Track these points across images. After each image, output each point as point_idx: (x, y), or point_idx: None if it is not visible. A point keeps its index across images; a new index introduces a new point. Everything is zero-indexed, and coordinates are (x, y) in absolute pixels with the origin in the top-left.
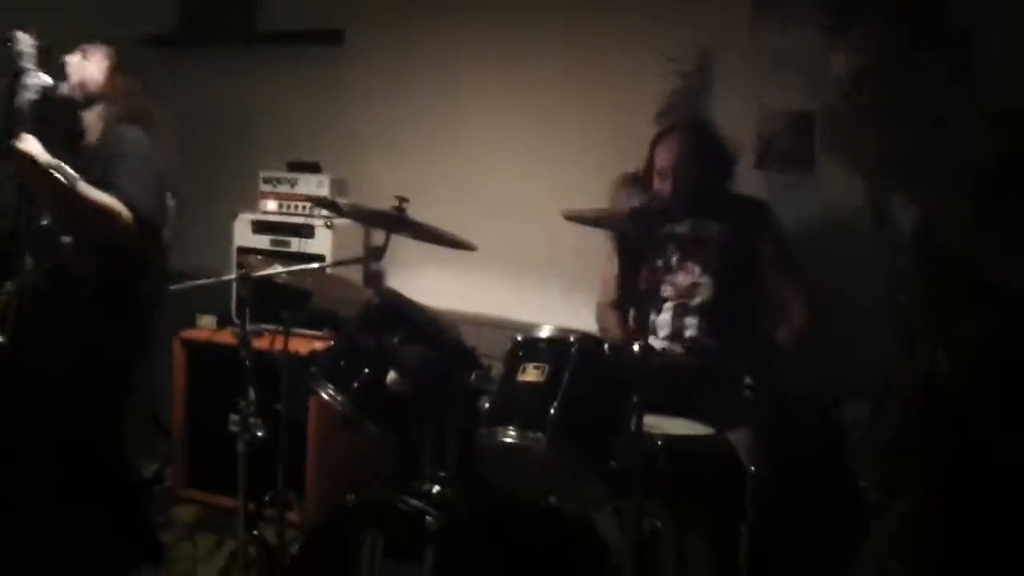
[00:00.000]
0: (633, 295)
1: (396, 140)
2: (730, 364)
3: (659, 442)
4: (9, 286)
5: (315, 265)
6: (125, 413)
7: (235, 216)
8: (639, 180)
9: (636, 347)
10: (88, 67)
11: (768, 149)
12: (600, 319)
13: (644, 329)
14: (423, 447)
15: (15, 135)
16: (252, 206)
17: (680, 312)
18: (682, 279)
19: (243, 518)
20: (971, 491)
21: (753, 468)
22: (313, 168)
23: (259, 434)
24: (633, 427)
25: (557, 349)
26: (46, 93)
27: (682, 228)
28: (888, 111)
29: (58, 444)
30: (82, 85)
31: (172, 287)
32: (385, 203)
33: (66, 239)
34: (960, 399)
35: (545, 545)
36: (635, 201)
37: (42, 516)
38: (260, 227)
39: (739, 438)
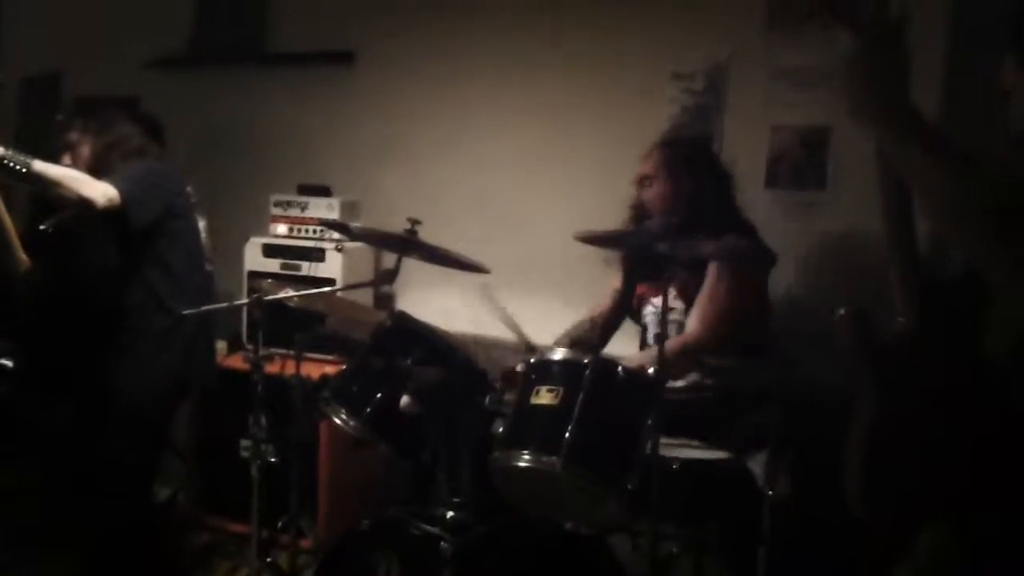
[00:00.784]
0: (632, 315)
1: (407, 161)
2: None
3: (675, 465)
4: None
5: (328, 289)
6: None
7: (246, 240)
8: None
9: (651, 370)
10: (81, 153)
11: (779, 167)
12: (577, 324)
13: (660, 353)
14: (437, 471)
15: None
16: (263, 229)
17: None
18: (674, 301)
19: (256, 544)
20: (1004, 523)
21: (770, 492)
22: (323, 191)
23: (271, 459)
24: (648, 450)
25: (571, 371)
26: None
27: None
28: None
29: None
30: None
31: (185, 312)
32: (397, 224)
33: None
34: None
35: (561, 569)
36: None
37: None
38: (271, 251)
39: (756, 461)
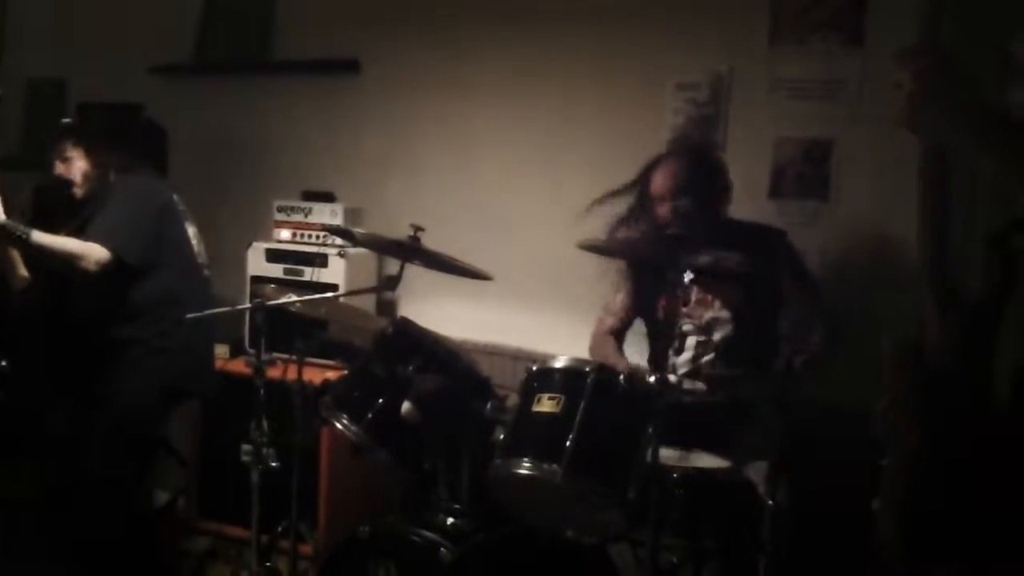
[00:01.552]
0: (652, 326)
1: (411, 168)
2: (748, 397)
3: (675, 475)
4: None
5: (330, 294)
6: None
7: (249, 245)
8: (633, 212)
9: (652, 379)
10: (72, 169)
11: (783, 179)
12: (595, 347)
13: (663, 361)
14: (437, 478)
15: None
16: (266, 235)
17: (701, 350)
18: (701, 313)
19: (256, 549)
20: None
21: (771, 502)
22: (327, 197)
23: (272, 464)
24: (649, 459)
25: (573, 380)
26: None
27: (702, 259)
28: None
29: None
30: (69, 183)
31: (187, 316)
32: (400, 231)
33: None
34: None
35: None
36: (640, 228)
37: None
38: (274, 256)
39: (757, 471)
